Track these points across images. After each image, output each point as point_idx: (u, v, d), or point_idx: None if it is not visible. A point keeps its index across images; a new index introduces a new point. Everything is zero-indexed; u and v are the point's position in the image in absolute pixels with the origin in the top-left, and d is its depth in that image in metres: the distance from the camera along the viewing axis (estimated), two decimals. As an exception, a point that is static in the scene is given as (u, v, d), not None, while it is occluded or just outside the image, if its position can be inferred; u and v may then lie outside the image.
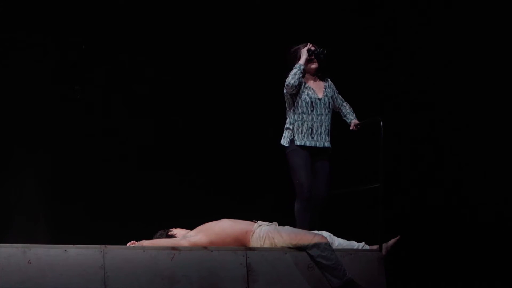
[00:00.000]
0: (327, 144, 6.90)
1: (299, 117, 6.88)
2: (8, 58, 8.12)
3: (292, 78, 6.83)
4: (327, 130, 6.92)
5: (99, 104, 8.42)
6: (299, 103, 6.89)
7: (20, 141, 8.13)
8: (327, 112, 6.94)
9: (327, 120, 6.93)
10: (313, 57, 6.96)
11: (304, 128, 6.85)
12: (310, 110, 6.88)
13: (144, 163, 8.46)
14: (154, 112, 8.57)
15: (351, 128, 7.02)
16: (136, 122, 8.51)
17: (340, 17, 8.87)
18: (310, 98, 6.89)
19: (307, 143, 6.83)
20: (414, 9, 8.93)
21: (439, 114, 8.83)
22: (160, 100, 8.59)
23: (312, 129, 6.85)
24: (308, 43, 6.98)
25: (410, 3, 8.93)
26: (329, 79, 7.09)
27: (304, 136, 6.84)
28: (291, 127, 6.90)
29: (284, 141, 6.91)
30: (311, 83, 6.98)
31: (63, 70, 8.28)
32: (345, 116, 7.07)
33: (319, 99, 6.92)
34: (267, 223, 6.35)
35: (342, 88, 8.16)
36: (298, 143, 6.83)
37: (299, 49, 6.98)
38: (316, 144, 6.85)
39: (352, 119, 7.04)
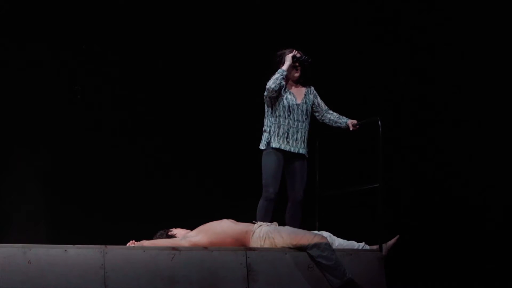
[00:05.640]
0: (302, 151, 6.90)
1: (276, 120, 6.88)
2: (8, 58, 8.12)
3: (273, 82, 6.82)
4: (303, 137, 6.91)
5: (99, 104, 8.42)
6: (277, 107, 6.89)
7: (20, 141, 8.13)
8: (304, 119, 6.93)
9: (303, 127, 6.93)
10: (297, 64, 6.95)
11: (280, 131, 6.86)
12: (287, 114, 6.88)
13: (144, 163, 8.46)
14: (155, 112, 8.57)
15: (351, 129, 6.95)
16: (137, 123, 8.51)
17: (339, 16, 8.87)
18: (288, 102, 6.88)
19: (282, 147, 6.84)
20: (414, 8, 8.94)
21: (439, 114, 8.83)
22: (160, 100, 8.59)
23: (288, 133, 6.86)
24: (294, 50, 6.97)
25: (411, 3, 8.95)
26: (312, 87, 7.07)
27: (280, 139, 6.84)
28: (268, 129, 6.91)
29: (262, 145, 6.93)
30: (292, 88, 6.98)
31: (64, 70, 8.28)
32: (336, 122, 7.01)
33: (297, 104, 6.92)
34: (267, 223, 6.36)
35: (341, 88, 8.16)
36: (273, 146, 6.84)
37: (285, 54, 6.96)
38: (290, 149, 6.86)
39: (347, 120, 6.99)
